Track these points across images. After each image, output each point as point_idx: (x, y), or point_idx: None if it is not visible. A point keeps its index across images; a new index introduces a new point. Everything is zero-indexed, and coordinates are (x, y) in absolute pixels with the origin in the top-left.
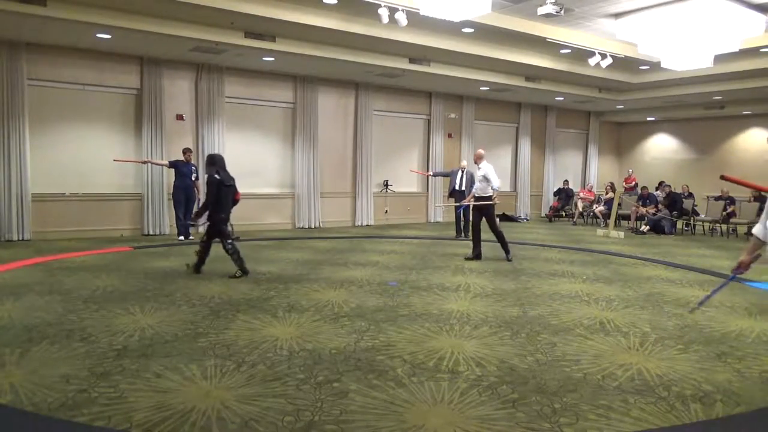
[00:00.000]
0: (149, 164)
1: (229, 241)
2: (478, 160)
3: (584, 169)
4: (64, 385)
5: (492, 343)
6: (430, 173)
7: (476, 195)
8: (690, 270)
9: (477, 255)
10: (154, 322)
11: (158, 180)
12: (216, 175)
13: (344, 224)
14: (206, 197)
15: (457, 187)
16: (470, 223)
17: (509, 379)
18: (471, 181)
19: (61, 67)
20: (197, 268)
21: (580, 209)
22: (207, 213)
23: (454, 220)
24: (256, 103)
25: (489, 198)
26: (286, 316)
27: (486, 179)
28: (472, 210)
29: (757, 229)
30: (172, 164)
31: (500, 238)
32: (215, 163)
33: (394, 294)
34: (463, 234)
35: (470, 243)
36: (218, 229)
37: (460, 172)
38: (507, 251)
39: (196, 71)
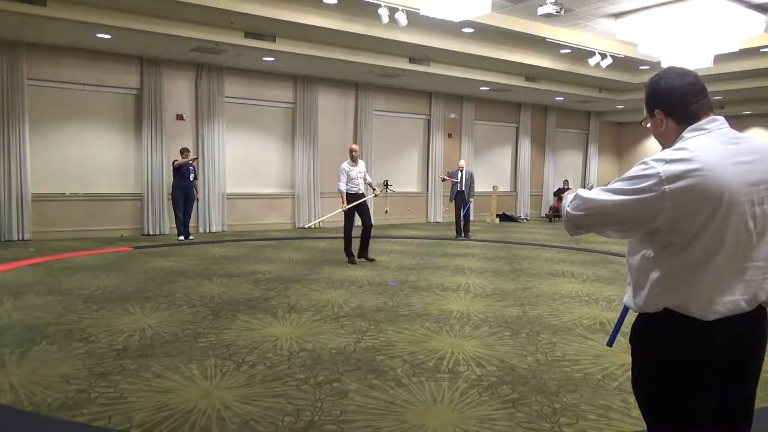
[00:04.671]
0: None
1: None
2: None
3: (584, 169)
4: (64, 385)
5: (492, 343)
6: (452, 179)
7: (360, 192)
8: None
9: (353, 260)
10: (154, 322)
11: (158, 180)
12: None
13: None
14: None
15: (459, 188)
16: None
17: (509, 379)
18: (470, 181)
19: (61, 67)
20: None
21: None
22: None
23: (453, 220)
24: (256, 103)
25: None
26: (286, 316)
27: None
28: (352, 210)
29: None
30: (176, 167)
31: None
32: None
33: (394, 294)
34: (463, 234)
35: (469, 243)
36: None
37: (459, 173)
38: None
39: (196, 71)
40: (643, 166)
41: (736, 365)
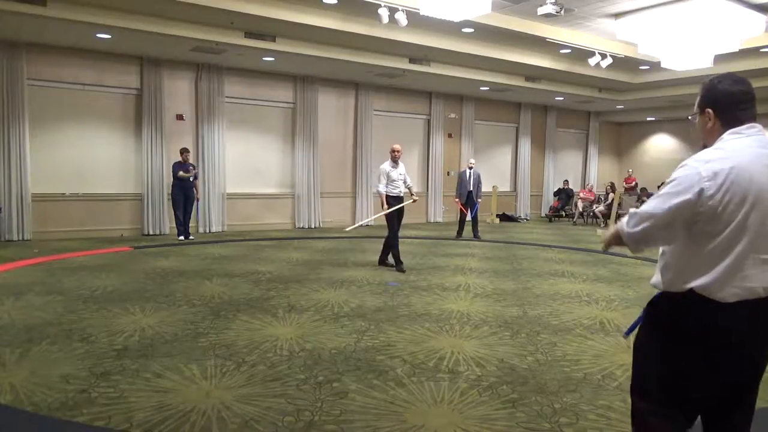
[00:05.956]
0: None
1: None
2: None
3: (584, 169)
4: (64, 385)
5: (492, 343)
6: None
7: (401, 195)
8: None
9: (402, 267)
10: (154, 322)
11: (158, 180)
12: None
13: (344, 224)
14: None
15: (468, 188)
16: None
17: (509, 379)
18: (478, 181)
19: (61, 67)
20: None
21: (580, 209)
22: None
23: (455, 220)
24: (256, 103)
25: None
26: (286, 316)
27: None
28: (394, 213)
29: None
30: (179, 178)
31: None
32: None
33: (394, 294)
34: (473, 235)
35: (469, 243)
36: None
37: (468, 171)
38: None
39: (196, 71)
40: (684, 168)
41: (749, 349)
